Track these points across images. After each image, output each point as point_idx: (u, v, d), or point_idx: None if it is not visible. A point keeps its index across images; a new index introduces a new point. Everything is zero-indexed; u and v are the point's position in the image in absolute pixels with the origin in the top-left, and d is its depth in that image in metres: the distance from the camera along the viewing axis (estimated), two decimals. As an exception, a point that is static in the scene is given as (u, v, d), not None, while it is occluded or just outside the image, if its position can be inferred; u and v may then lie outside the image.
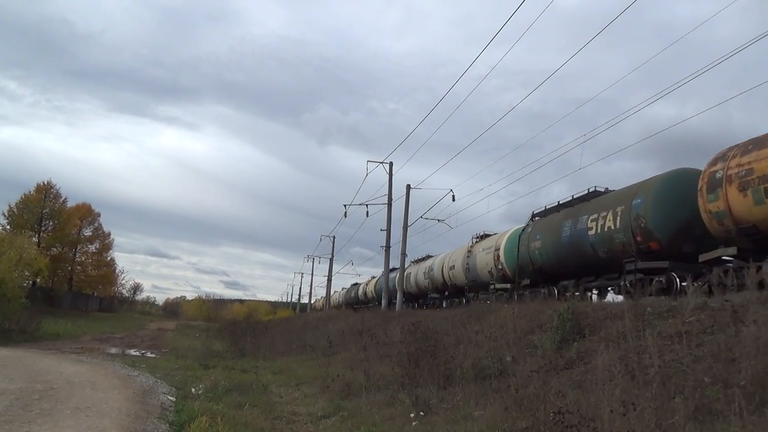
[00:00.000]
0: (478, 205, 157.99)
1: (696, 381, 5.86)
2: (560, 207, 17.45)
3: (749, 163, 10.22)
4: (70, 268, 53.72)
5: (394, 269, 31.60)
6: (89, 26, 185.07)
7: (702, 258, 11.45)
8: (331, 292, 62.96)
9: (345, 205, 32.26)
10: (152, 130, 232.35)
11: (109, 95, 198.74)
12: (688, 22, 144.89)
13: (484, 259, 22.71)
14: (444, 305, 27.27)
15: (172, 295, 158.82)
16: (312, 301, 75.58)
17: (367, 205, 30.20)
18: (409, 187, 28.29)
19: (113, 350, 23.28)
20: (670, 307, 8.61)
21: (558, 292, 16.24)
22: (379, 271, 43.54)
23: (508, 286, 19.81)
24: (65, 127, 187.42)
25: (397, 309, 25.92)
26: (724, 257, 11.21)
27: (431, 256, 31.61)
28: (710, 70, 12.41)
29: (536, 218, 19.07)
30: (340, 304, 59.25)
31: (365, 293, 47.88)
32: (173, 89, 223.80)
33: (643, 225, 12.96)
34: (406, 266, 30.27)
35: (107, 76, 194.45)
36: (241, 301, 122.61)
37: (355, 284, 56.14)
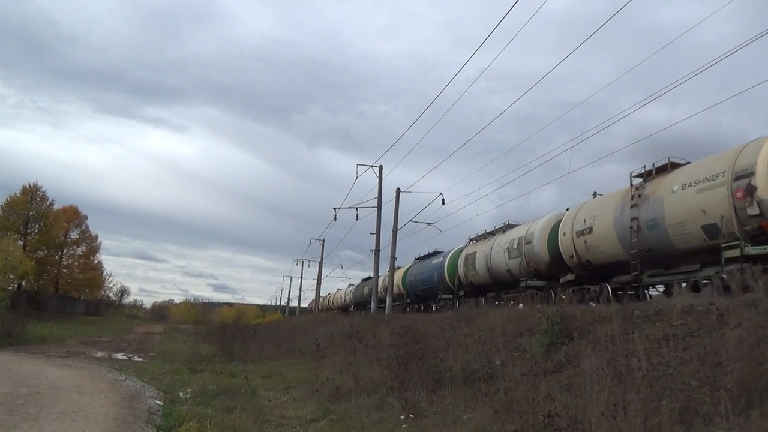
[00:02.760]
0: (467, 208, 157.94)
1: (683, 384, 5.93)
2: None
3: None
4: (56, 271, 53.30)
5: (434, 254, 29.59)
6: (74, 26, 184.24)
7: None
8: (335, 291, 61.52)
9: (335, 209, 32.24)
10: (139, 132, 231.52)
11: (95, 96, 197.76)
12: (675, 26, 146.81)
13: (687, 203, 11.76)
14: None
15: (160, 299, 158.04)
16: (307, 305, 74.73)
17: (356, 209, 30.21)
18: (398, 190, 28.43)
19: (100, 354, 22.99)
20: (657, 311, 8.70)
21: None
22: (369, 275, 41.74)
23: None
24: (51, 129, 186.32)
25: (386, 313, 26.00)
26: None
27: (514, 225, 21.57)
28: (699, 73, 12.37)
29: None
30: (348, 304, 50.05)
31: (386, 291, 33.58)
32: (160, 90, 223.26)
33: None
34: (463, 246, 26.03)
35: (93, 76, 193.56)
36: (229, 305, 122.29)
37: (368, 279, 43.17)
